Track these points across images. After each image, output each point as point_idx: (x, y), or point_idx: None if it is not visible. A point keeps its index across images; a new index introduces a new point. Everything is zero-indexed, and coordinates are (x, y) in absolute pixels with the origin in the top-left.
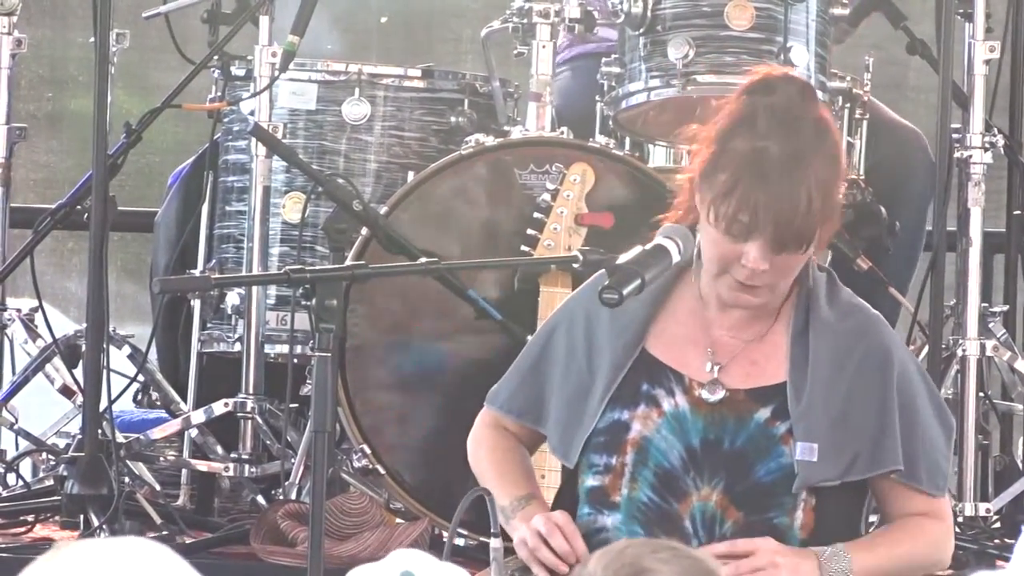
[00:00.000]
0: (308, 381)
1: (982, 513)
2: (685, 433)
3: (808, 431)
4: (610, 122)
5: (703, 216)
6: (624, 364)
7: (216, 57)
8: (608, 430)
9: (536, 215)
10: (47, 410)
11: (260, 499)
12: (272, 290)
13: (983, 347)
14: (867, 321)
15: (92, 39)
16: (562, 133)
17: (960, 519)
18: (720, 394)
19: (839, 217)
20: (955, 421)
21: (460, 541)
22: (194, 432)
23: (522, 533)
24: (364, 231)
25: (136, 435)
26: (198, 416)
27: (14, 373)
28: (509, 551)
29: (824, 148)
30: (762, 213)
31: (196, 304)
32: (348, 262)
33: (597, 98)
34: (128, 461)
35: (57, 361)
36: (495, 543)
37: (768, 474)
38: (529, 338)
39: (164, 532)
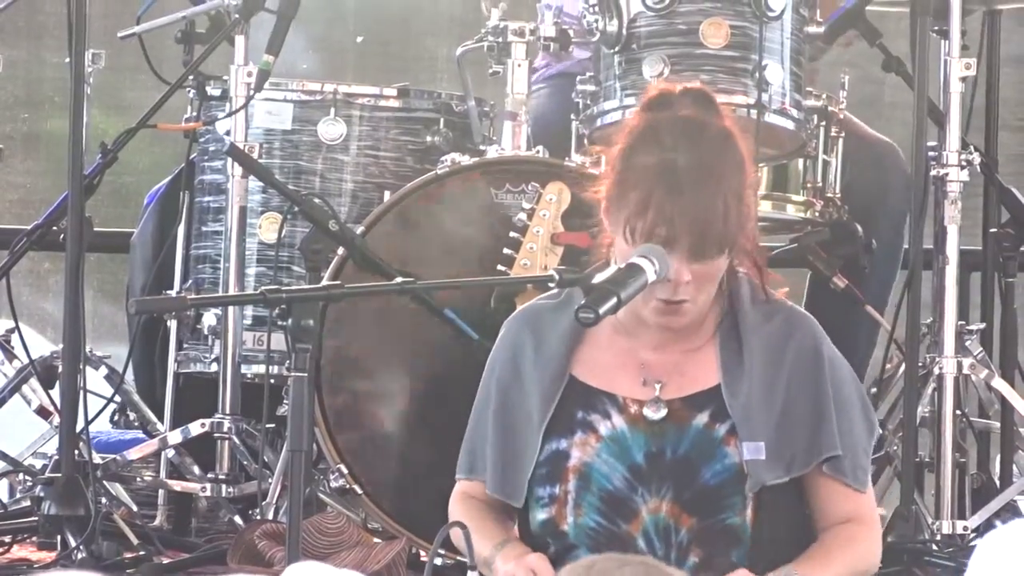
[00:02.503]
0: (285, 401)
1: (959, 531)
2: (627, 452)
3: (752, 431)
4: (585, 140)
5: (619, 237)
6: (554, 394)
7: (191, 77)
8: (548, 461)
9: (512, 234)
10: (24, 431)
11: (237, 519)
12: (249, 310)
13: (960, 365)
14: (793, 318)
15: (67, 59)
16: (538, 152)
17: (938, 537)
18: (663, 411)
19: (754, 224)
20: (878, 420)
21: (437, 560)
22: (171, 452)
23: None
24: (340, 251)
25: (113, 456)
26: (175, 436)
27: None
28: None
29: (730, 155)
30: (679, 224)
31: (173, 324)
32: (324, 282)
33: (572, 116)
34: (105, 482)
35: (34, 382)
36: None
37: (714, 476)
38: None
39: (141, 552)
